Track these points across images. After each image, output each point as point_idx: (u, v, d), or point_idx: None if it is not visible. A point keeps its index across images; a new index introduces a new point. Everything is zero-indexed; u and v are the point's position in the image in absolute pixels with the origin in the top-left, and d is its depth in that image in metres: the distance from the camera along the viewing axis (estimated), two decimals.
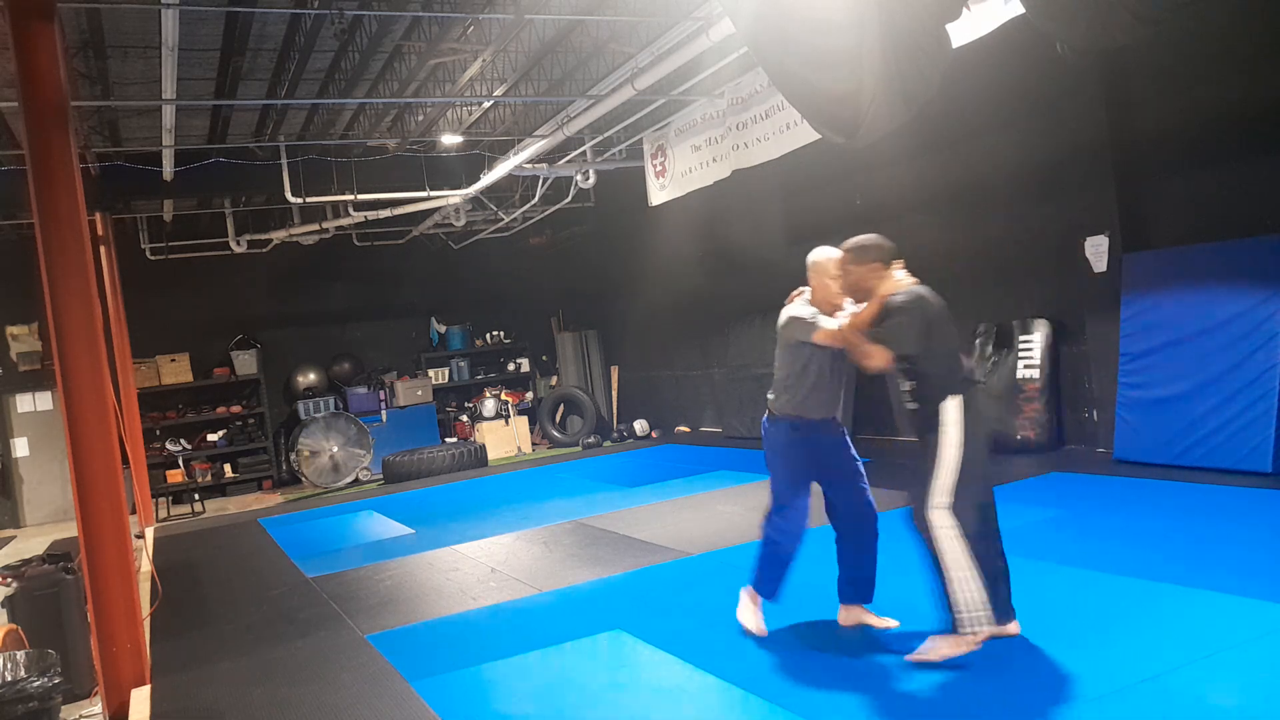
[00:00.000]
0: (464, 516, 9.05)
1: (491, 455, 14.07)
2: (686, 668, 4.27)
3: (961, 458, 3.87)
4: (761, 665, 4.19)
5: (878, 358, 4.04)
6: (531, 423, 15.69)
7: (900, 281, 4.12)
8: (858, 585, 4.52)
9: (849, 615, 4.54)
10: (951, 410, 3.90)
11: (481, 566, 6.79)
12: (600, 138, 10.99)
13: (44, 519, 13.32)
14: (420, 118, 10.37)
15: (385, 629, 5.47)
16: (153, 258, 13.36)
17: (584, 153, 11.53)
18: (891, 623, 4.46)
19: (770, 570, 4.57)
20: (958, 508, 3.87)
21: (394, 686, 4.46)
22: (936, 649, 3.96)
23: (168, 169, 10.27)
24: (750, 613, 4.60)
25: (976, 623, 3.85)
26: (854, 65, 4.67)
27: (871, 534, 4.46)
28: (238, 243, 13.21)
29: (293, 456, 13.81)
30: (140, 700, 4.64)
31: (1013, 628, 4.10)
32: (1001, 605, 3.99)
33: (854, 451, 4.55)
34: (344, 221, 12.46)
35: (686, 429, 13.95)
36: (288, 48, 8.13)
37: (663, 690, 4.08)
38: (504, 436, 14.94)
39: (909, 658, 4.02)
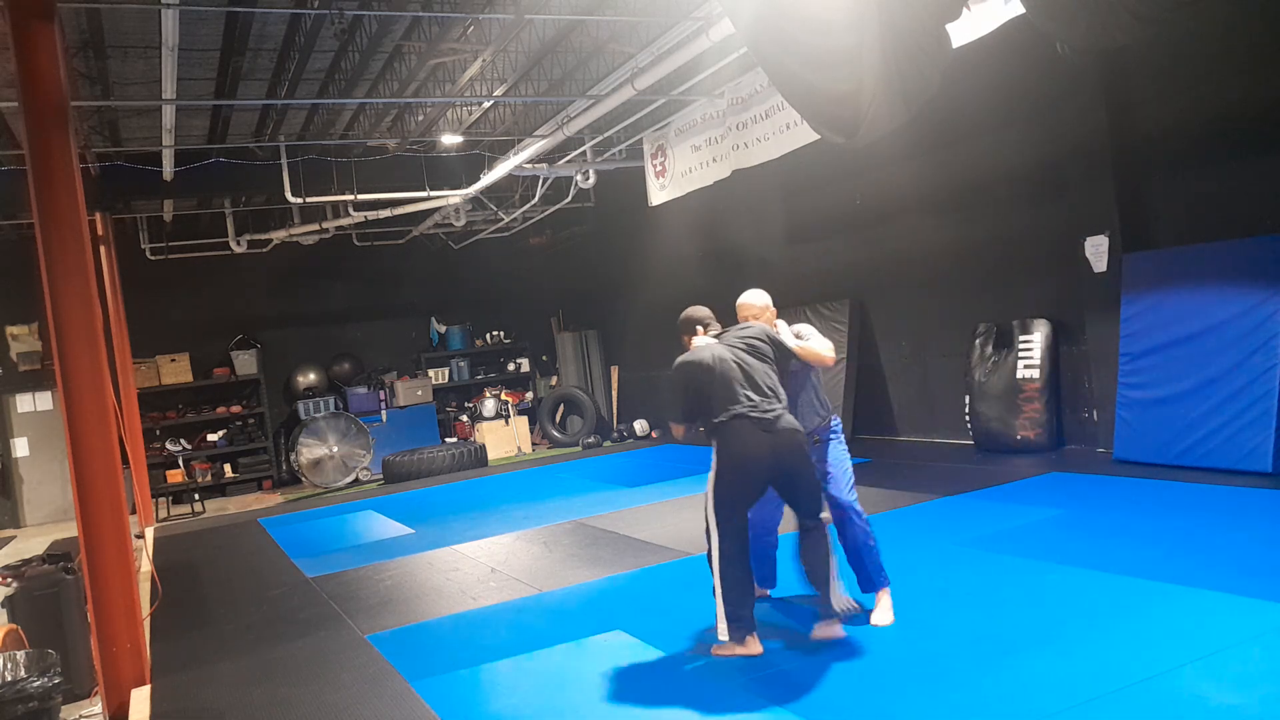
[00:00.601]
0: (464, 516, 9.05)
1: (491, 455, 14.07)
2: (686, 668, 4.27)
3: (714, 491, 4.31)
4: (761, 666, 4.18)
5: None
6: (531, 423, 15.70)
7: (693, 348, 4.53)
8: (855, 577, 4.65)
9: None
10: (713, 450, 4.34)
11: (481, 566, 6.79)
12: (600, 138, 10.99)
13: (44, 519, 13.32)
14: (420, 118, 10.37)
15: (385, 629, 5.47)
16: (153, 258, 13.36)
17: (584, 153, 11.53)
18: (855, 606, 4.58)
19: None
20: (718, 531, 4.28)
21: (394, 686, 4.46)
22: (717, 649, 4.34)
23: (168, 169, 10.27)
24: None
25: (723, 633, 4.25)
26: (854, 65, 4.67)
27: (842, 531, 4.60)
28: (238, 243, 13.21)
29: (293, 456, 13.81)
30: (140, 700, 4.64)
31: (753, 647, 4.24)
32: (743, 625, 4.24)
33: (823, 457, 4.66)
34: (344, 221, 12.46)
35: None
36: (288, 48, 8.13)
37: (662, 690, 4.08)
38: (504, 436, 14.94)
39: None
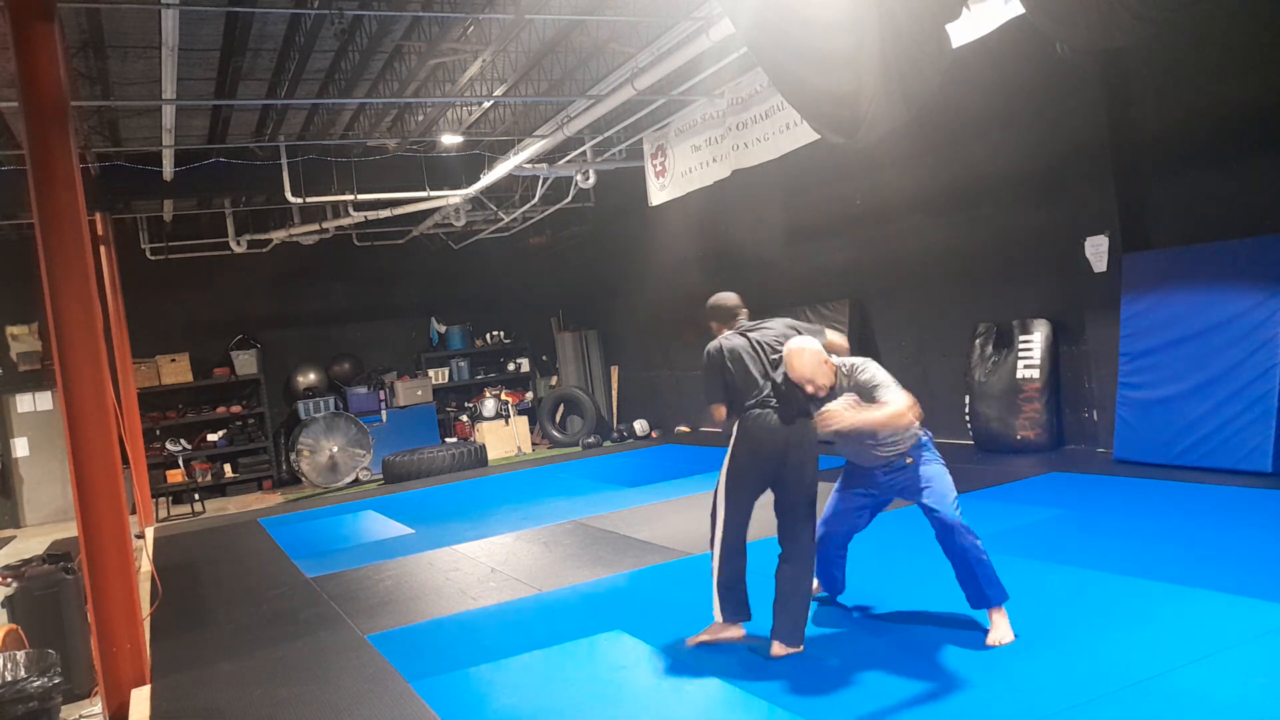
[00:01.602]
0: (464, 516, 9.05)
1: (491, 455, 14.07)
2: (686, 668, 4.27)
3: (727, 474, 4.41)
4: (761, 665, 4.19)
5: (716, 414, 4.59)
6: (531, 423, 15.70)
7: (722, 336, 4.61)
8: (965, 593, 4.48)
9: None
10: (732, 435, 4.44)
11: (481, 566, 6.79)
12: (600, 138, 10.99)
13: (44, 519, 13.32)
14: (420, 118, 10.37)
15: (385, 629, 5.47)
16: (153, 258, 13.37)
17: (584, 153, 11.53)
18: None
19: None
20: (723, 522, 4.39)
21: (394, 686, 4.46)
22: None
23: (168, 169, 10.27)
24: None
25: (716, 614, 4.42)
26: (854, 65, 4.67)
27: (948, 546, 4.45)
28: (238, 243, 13.21)
29: (293, 456, 13.81)
30: (140, 700, 4.64)
31: (735, 631, 4.41)
32: (731, 608, 4.41)
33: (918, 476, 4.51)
34: (344, 221, 12.46)
35: (686, 429, 13.95)
36: (288, 48, 8.13)
37: (662, 690, 4.08)
38: (504, 436, 14.94)
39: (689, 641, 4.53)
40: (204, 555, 8.67)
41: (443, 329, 16.20)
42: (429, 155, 11.83)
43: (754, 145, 9.43)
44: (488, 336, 16.47)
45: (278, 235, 13.14)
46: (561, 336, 16.31)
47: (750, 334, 4.53)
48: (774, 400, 4.32)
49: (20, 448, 13.42)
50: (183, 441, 14.04)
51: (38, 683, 4.52)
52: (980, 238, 9.03)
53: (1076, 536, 5.59)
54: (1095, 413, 8.03)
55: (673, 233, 13.02)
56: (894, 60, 4.64)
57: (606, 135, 10.91)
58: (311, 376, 14.86)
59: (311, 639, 5.44)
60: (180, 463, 13.74)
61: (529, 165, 11.22)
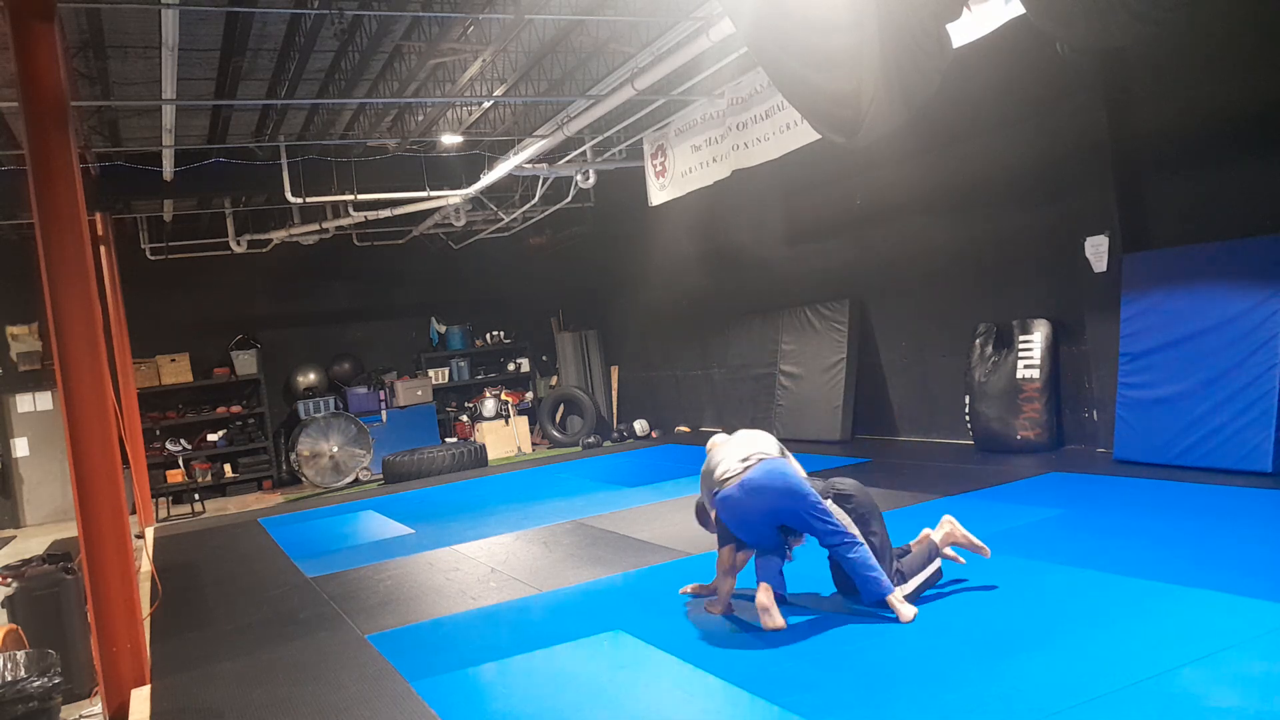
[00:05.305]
0: (464, 516, 9.05)
1: (491, 455, 14.07)
2: (686, 668, 4.27)
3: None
4: (761, 665, 4.19)
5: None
6: (531, 423, 15.70)
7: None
8: None
9: None
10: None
11: (481, 566, 6.79)
12: (600, 138, 11.00)
13: (44, 519, 13.33)
14: (420, 118, 10.37)
15: (385, 629, 5.47)
16: (153, 258, 13.38)
17: (584, 153, 11.54)
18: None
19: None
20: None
21: (394, 686, 4.46)
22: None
23: (168, 169, 10.27)
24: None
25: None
26: (854, 65, 4.68)
27: None
28: (238, 243, 13.22)
29: (293, 456, 13.82)
30: (140, 700, 4.64)
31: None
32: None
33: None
34: (344, 221, 12.47)
35: (686, 429, 13.95)
36: (288, 48, 8.14)
37: (663, 690, 4.08)
38: (504, 436, 14.95)
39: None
40: (204, 555, 8.67)
41: (443, 329, 16.21)
42: (429, 155, 11.84)
43: (754, 145, 9.43)
44: (488, 336, 16.47)
45: (278, 235, 13.15)
46: (561, 336, 16.31)
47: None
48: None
49: (20, 448, 13.43)
50: (183, 441, 14.05)
51: (38, 683, 4.53)
52: (980, 238, 9.04)
53: (1076, 536, 5.59)
54: (1095, 413, 8.03)
55: (673, 233, 13.02)
56: (894, 60, 4.65)
57: (606, 135, 10.92)
58: (311, 376, 14.87)
59: (311, 639, 5.44)
60: (180, 463, 13.75)
61: (529, 165, 11.22)
